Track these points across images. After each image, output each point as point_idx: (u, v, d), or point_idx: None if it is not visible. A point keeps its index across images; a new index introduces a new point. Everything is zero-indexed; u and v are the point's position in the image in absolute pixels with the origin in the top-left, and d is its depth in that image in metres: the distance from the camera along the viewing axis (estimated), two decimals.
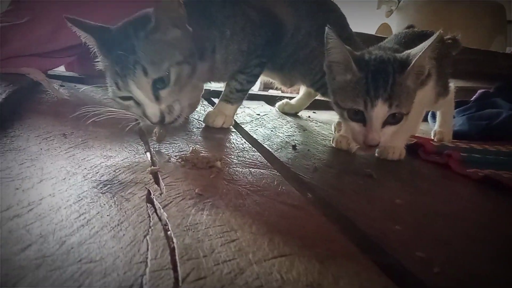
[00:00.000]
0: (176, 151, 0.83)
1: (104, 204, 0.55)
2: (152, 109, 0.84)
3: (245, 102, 1.41)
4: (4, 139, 0.74)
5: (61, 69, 1.57)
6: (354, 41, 1.21)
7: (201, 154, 0.77)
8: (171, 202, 0.58)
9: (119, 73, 0.82)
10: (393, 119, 0.82)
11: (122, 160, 0.73)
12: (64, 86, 1.33)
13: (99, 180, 0.63)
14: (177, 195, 0.61)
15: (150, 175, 0.68)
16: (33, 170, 0.63)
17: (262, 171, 0.77)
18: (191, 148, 0.84)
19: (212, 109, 1.12)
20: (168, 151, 0.83)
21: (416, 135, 1.14)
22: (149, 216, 0.53)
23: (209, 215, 0.55)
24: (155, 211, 0.55)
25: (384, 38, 1.13)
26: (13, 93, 0.98)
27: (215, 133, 1.04)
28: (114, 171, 0.68)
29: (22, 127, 0.83)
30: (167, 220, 0.52)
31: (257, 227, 0.54)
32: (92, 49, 0.87)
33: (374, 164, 0.95)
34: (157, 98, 0.84)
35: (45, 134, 0.81)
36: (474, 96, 1.67)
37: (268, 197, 0.65)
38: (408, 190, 0.81)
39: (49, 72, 1.41)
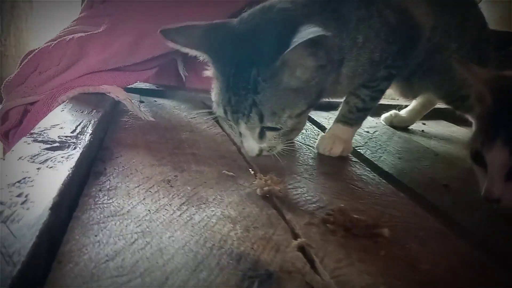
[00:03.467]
0: (308, 202, 0.64)
1: None
2: (252, 145, 0.73)
3: (327, 113, 1.21)
4: (100, 195, 0.58)
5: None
6: (491, 48, 0.98)
7: (350, 213, 0.57)
8: None
9: (231, 103, 0.70)
10: None
11: (252, 223, 0.55)
12: (143, 102, 1.18)
13: (241, 270, 0.44)
14: None
15: (300, 254, 0.49)
16: (150, 255, 0.46)
17: (440, 245, 0.56)
18: (322, 196, 0.65)
19: (325, 133, 0.92)
20: (298, 202, 0.64)
21: None
22: None
23: None
24: None
25: None
26: (99, 123, 0.82)
27: (333, 166, 0.84)
28: (252, 247, 0.49)
29: (116, 171, 0.67)
30: None
31: None
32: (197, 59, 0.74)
33: None
34: (261, 137, 0.73)
35: (146, 182, 0.64)
36: None
37: None
38: None
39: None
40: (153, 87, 1.34)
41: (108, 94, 1.01)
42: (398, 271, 0.47)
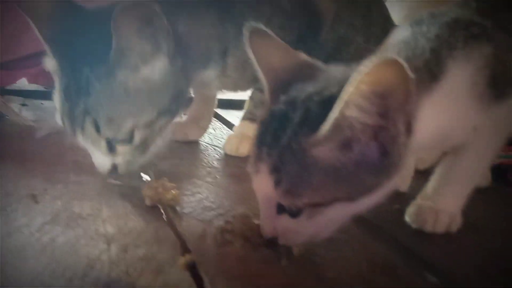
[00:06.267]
0: (206, 209, 0.56)
1: None
2: (101, 161, 0.60)
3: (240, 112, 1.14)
4: None
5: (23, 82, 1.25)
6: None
7: (251, 220, 0.50)
8: None
9: (66, 112, 0.58)
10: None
11: (133, 241, 0.46)
12: (27, 105, 1.03)
13: None
14: None
15: (187, 273, 0.40)
16: None
17: (344, 237, 0.51)
18: (224, 201, 0.57)
19: (233, 132, 0.85)
20: (195, 210, 0.55)
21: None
22: None
23: None
24: None
25: None
26: None
27: (240, 167, 0.76)
28: (126, 271, 0.40)
29: None
30: None
31: None
32: None
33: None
34: (112, 150, 0.59)
35: (4, 199, 0.52)
36: None
37: None
38: None
39: (7, 87, 1.10)
40: (41, 88, 1.18)
41: None
42: (300, 283, 0.41)
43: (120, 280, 0.38)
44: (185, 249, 0.45)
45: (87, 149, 0.60)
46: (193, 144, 0.86)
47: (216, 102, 0.92)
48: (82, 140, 0.58)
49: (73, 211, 0.51)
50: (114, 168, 0.60)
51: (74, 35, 0.57)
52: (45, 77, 1.16)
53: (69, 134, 0.59)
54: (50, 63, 0.59)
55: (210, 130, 0.99)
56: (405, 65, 0.34)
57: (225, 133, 0.98)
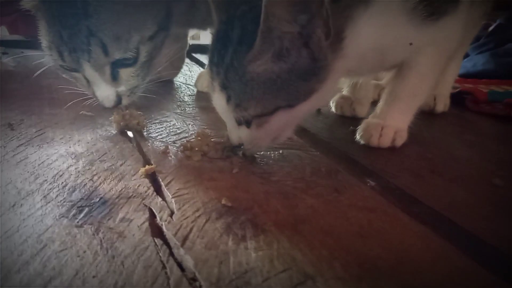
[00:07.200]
0: (171, 133, 0.60)
1: (85, 251, 0.33)
2: (105, 92, 0.60)
3: None
4: None
5: (4, 32, 1.27)
6: None
7: (210, 138, 0.55)
8: (191, 229, 0.37)
9: (64, 40, 0.56)
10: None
11: (99, 157, 0.51)
12: (7, 54, 1.05)
13: (70, 201, 0.40)
14: (196, 214, 0.39)
15: (146, 180, 0.45)
16: None
17: (297, 152, 0.56)
18: (190, 127, 0.62)
19: (203, 70, 0.88)
20: (161, 135, 0.60)
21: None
22: (164, 266, 0.32)
23: (258, 248, 0.34)
24: (170, 252, 0.33)
25: None
26: None
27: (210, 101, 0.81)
28: (91, 178, 0.45)
29: None
30: (195, 273, 0.31)
31: (340, 262, 0.33)
32: None
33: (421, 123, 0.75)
34: (115, 78, 0.60)
35: None
36: (490, 29, 1.47)
37: (326, 198, 0.44)
38: (495, 159, 0.60)
39: None
40: (22, 38, 1.19)
41: None
42: (247, 184, 0.46)
43: (85, 185, 0.44)
44: (147, 162, 0.50)
45: (90, 81, 0.59)
46: (168, 82, 0.90)
47: (188, 44, 0.95)
48: (87, 69, 0.57)
49: (46, 136, 0.56)
50: (119, 99, 0.61)
51: None
52: (24, 26, 1.18)
53: (70, 67, 0.59)
54: (29, 1, 0.59)
55: (186, 71, 1.03)
56: None
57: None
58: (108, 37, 0.55)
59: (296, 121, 0.50)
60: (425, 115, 0.77)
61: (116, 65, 0.58)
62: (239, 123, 0.49)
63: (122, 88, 0.61)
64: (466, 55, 1.26)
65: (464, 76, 1.21)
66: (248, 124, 0.48)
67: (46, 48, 0.58)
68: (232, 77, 0.45)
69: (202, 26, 0.82)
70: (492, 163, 0.57)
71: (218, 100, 0.48)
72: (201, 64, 1.12)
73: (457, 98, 0.85)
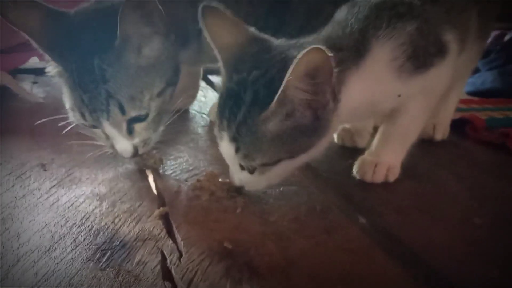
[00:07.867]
0: (184, 171, 0.67)
1: None
2: (124, 145, 0.65)
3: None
4: None
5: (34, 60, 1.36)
6: None
7: (218, 178, 0.61)
8: (195, 273, 0.43)
9: (85, 103, 0.62)
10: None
11: (120, 198, 0.58)
12: (37, 83, 1.15)
13: (96, 244, 0.47)
14: (201, 257, 0.46)
15: (160, 222, 0.52)
16: (6, 240, 0.47)
17: (296, 189, 0.62)
18: (201, 163, 0.68)
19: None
20: (175, 172, 0.67)
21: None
22: None
23: None
24: None
25: None
26: None
27: None
28: (113, 221, 0.52)
29: None
30: None
31: None
32: None
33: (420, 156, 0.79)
34: (131, 133, 0.65)
35: (18, 167, 0.65)
36: (505, 39, 1.47)
37: (316, 239, 0.50)
38: (480, 195, 0.63)
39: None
40: None
41: None
42: (247, 225, 0.52)
43: (108, 227, 0.51)
44: (161, 203, 0.57)
45: (110, 137, 0.64)
46: (183, 113, 0.97)
47: (201, 72, 1.01)
48: (107, 127, 0.63)
49: (75, 176, 0.63)
50: (136, 150, 0.66)
51: (69, 37, 0.62)
52: None
53: (91, 125, 0.64)
54: (53, 70, 0.66)
55: (201, 97, 1.10)
56: (326, 49, 0.43)
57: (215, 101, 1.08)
58: (125, 98, 0.62)
59: (294, 169, 0.57)
60: (424, 143, 0.81)
61: (131, 121, 0.64)
62: (242, 168, 0.55)
63: (136, 140, 0.66)
64: (477, 70, 1.29)
65: (473, 94, 1.24)
66: (252, 171, 0.54)
67: (69, 109, 0.65)
68: (244, 132, 0.51)
69: (213, 62, 0.88)
70: (477, 199, 0.61)
71: (226, 149, 0.54)
72: (215, 88, 1.19)
73: (458, 125, 0.89)
